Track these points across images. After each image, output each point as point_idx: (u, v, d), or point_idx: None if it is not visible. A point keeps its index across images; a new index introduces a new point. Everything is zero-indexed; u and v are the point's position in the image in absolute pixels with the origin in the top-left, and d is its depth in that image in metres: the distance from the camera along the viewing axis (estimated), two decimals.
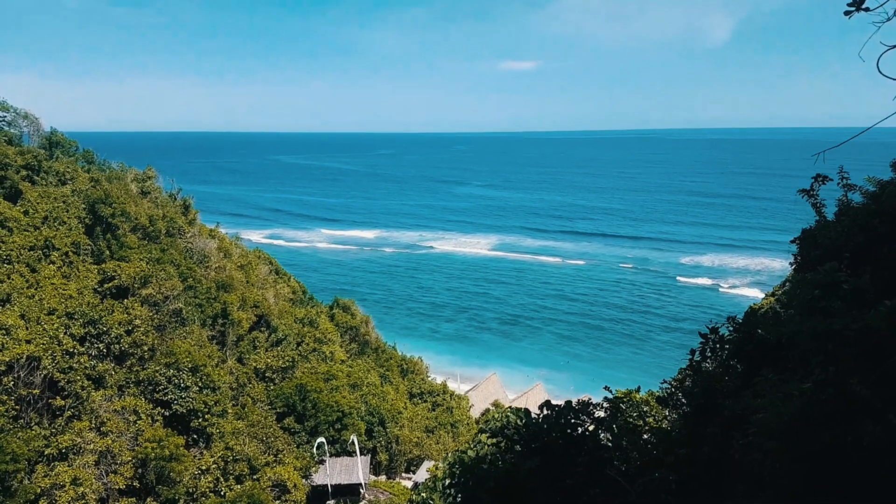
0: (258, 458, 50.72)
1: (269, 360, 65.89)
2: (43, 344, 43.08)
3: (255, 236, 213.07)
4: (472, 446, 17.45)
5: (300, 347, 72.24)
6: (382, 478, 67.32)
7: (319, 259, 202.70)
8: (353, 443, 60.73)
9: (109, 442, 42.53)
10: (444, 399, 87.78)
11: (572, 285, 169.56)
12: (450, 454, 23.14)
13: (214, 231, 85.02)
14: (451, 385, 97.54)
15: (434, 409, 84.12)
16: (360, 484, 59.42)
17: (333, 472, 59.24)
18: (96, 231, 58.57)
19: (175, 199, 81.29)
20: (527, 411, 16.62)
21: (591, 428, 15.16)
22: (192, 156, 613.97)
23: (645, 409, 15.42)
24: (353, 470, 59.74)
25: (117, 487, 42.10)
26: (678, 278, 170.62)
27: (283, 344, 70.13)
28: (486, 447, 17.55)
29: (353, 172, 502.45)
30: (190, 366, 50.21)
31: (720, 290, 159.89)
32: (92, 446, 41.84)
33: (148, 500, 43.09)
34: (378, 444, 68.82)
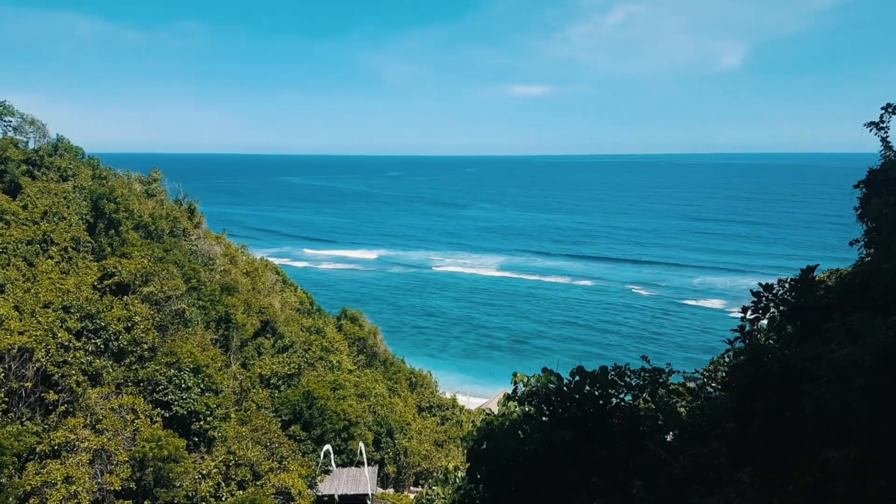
0: (261, 463, 48.53)
1: (274, 367, 63.90)
2: (36, 336, 41.11)
3: (259, 255, 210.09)
4: (498, 415, 15.67)
5: (307, 355, 70.28)
6: (390, 490, 64.86)
7: (324, 279, 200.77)
8: (360, 452, 58.53)
9: (105, 440, 40.37)
10: (454, 413, 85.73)
11: (581, 307, 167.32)
12: (476, 419, 21.26)
13: (220, 238, 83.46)
14: (461, 401, 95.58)
15: (443, 423, 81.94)
16: (367, 495, 57.08)
17: (340, 481, 56.96)
18: (98, 227, 57.03)
19: (181, 203, 79.77)
20: (559, 377, 14.93)
21: (626, 399, 13.55)
22: (193, 176, 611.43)
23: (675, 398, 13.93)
24: (360, 480, 57.43)
25: (112, 488, 39.87)
26: (689, 301, 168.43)
27: (290, 351, 68.24)
28: (514, 414, 15.76)
29: (361, 194, 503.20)
30: (192, 367, 48.27)
31: (732, 313, 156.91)
32: (86, 444, 39.66)
33: (145, 503, 40.85)
34: (386, 456, 66.50)
